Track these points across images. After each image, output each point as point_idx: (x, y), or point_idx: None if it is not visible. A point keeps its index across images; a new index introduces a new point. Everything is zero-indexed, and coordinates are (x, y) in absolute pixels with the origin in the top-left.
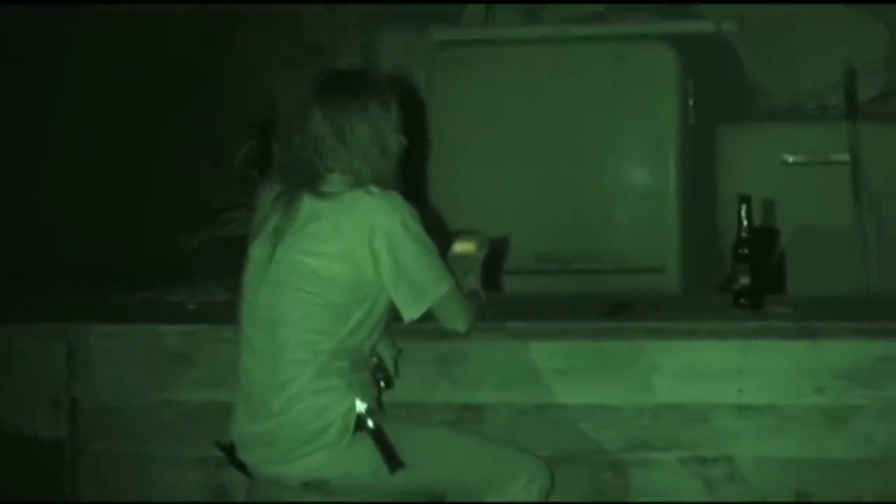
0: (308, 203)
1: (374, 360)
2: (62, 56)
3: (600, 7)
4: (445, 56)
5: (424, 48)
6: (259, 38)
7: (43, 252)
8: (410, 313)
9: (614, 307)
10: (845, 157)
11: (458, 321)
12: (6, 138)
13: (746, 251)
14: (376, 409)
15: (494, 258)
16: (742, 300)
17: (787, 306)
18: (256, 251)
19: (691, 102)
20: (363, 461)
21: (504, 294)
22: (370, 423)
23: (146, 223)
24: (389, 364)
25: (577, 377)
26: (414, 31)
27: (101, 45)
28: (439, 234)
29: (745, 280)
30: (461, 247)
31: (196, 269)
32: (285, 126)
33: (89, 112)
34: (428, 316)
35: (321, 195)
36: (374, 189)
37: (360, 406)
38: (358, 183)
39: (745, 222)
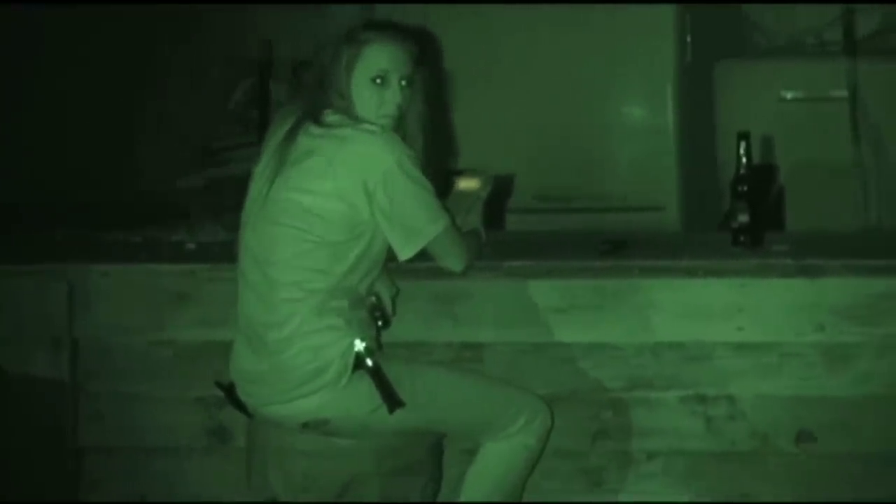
0: (304, 138)
1: (372, 299)
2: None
3: None
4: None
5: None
6: None
7: (35, 193)
8: (405, 253)
9: (613, 245)
10: (844, 93)
11: (453, 260)
12: None
13: (745, 188)
14: (375, 348)
15: (498, 197)
16: (741, 238)
17: (787, 244)
18: (255, 187)
19: (689, 39)
20: (362, 401)
21: (503, 232)
22: (369, 362)
23: (142, 163)
24: (387, 303)
25: (577, 315)
26: None
27: None
28: (440, 171)
29: (744, 218)
30: (464, 184)
31: (194, 208)
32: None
33: (79, 49)
34: (425, 254)
35: (317, 128)
36: (369, 126)
37: (359, 345)
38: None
39: (743, 159)
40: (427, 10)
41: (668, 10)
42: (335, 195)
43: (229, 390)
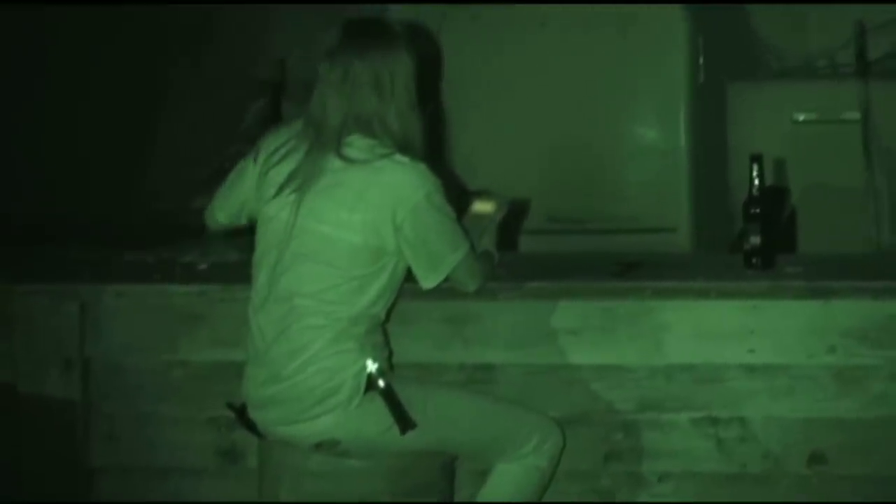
0: (331, 166)
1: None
2: (67, 10)
3: None
4: (455, 13)
5: (434, 6)
6: None
7: (50, 210)
8: (430, 282)
9: (625, 266)
10: (856, 115)
11: (469, 282)
12: (9, 93)
13: (758, 210)
14: (388, 369)
15: (513, 220)
16: (753, 259)
17: (799, 265)
18: (273, 210)
19: (701, 60)
20: (374, 421)
21: (516, 254)
22: (381, 383)
23: (155, 183)
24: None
25: (589, 337)
26: None
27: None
28: (457, 192)
29: (756, 239)
30: (480, 206)
31: (206, 228)
32: (318, 78)
33: (94, 71)
34: None
35: (345, 159)
36: (400, 158)
37: (372, 366)
38: (384, 145)
39: (756, 181)
40: (439, 36)
41: (681, 32)
42: (364, 228)
43: (241, 411)
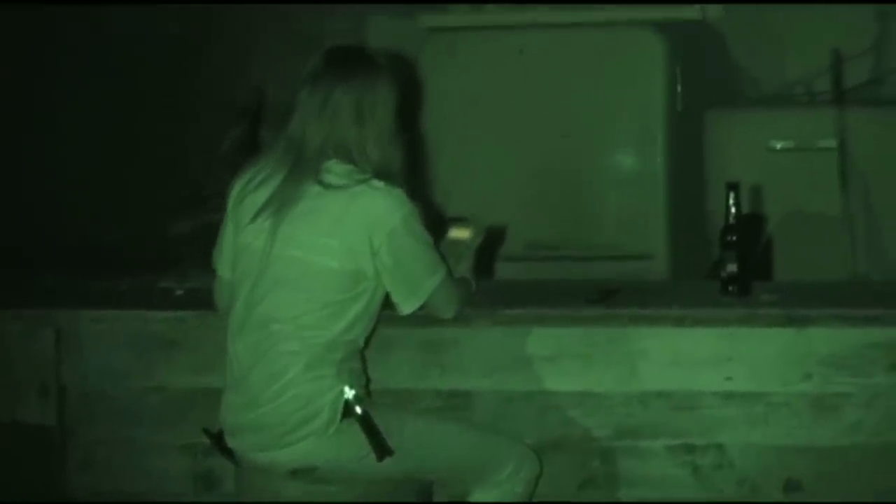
0: (309, 192)
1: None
2: (46, 38)
3: None
4: (433, 42)
5: (412, 34)
6: (246, 23)
7: (26, 236)
8: (407, 307)
9: (602, 294)
10: (832, 143)
11: (446, 308)
12: None
13: (734, 238)
14: (365, 396)
15: (489, 246)
16: (730, 287)
17: (775, 293)
18: (249, 236)
19: (679, 88)
20: (351, 448)
21: (493, 281)
22: (358, 409)
23: (132, 209)
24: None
25: (565, 364)
26: (402, 18)
27: (86, 29)
28: (435, 219)
29: (732, 267)
30: (456, 233)
31: (184, 254)
32: (295, 103)
33: (73, 95)
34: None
35: (323, 185)
36: (377, 183)
37: (349, 393)
38: (362, 171)
39: (732, 209)
40: (418, 63)
41: (659, 60)
42: (341, 253)
43: (217, 438)
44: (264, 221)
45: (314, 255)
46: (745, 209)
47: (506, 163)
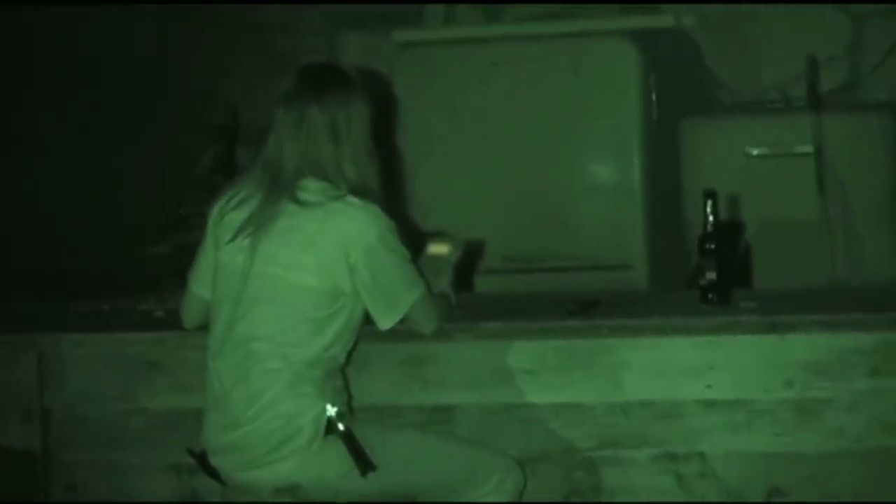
0: (286, 210)
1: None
2: (21, 57)
3: (558, 7)
4: (407, 57)
5: (386, 50)
6: (220, 42)
7: (2, 262)
8: (386, 323)
9: (582, 305)
10: (809, 148)
11: (425, 323)
12: None
13: (713, 246)
14: (348, 412)
15: (468, 261)
16: (709, 295)
17: (754, 300)
18: (228, 255)
19: (654, 97)
20: (334, 465)
21: (473, 294)
22: (340, 426)
23: (109, 231)
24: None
25: (547, 376)
26: (375, 34)
27: (62, 47)
28: (413, 234)
29: (711, 275)
30: (435, 248)
31: (162, 275)
32: (273, 123)
33: (46, 116)
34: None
35: (299, 203)
36: (352, 200)
37: (331, 410)
38: (337, 188)
39: (710, 217)
40: (392, 78)
41: (633, 69)
42: (319, 270)
43: (201, 458)
44: (244, 240)
45: (293, 273)
46: (723, 216)
47: (482, 175)
